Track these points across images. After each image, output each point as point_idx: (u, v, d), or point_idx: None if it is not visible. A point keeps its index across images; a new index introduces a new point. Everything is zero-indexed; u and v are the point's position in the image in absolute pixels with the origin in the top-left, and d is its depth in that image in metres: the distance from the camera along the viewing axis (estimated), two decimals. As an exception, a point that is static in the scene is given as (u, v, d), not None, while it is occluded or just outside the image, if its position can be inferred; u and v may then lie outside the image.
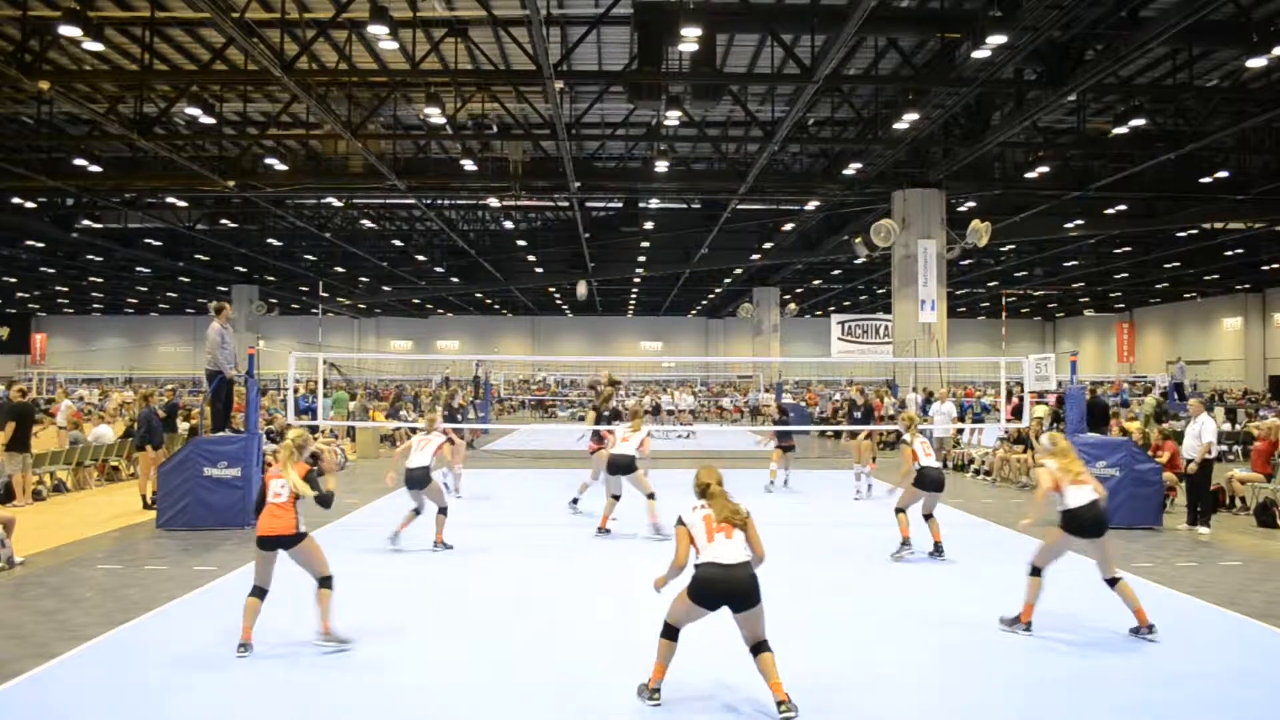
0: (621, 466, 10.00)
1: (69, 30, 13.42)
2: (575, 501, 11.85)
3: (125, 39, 16.56)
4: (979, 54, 14.21)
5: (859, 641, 6.32)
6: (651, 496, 10.04)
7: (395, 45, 15.46)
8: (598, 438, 11.95)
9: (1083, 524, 6.40)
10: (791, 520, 11.46)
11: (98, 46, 15.20)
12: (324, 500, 6.27)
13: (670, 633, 5.04)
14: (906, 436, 9.14)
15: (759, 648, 4.89)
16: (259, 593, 5.97)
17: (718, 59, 16.63)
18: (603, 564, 8.92)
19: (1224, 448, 19.12)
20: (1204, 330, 50.12)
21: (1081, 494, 6.47)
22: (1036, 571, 6.52)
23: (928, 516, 9.05)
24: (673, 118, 18.56)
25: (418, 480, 9.16)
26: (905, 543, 8.94)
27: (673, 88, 17.31)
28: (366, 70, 17.57)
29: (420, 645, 6.14)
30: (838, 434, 15.90)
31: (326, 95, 17.83)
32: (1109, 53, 14.34)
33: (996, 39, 13.64)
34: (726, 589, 4.83)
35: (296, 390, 17.21)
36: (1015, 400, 17.06)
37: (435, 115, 18.05)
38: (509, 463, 19.16)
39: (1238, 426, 20.27)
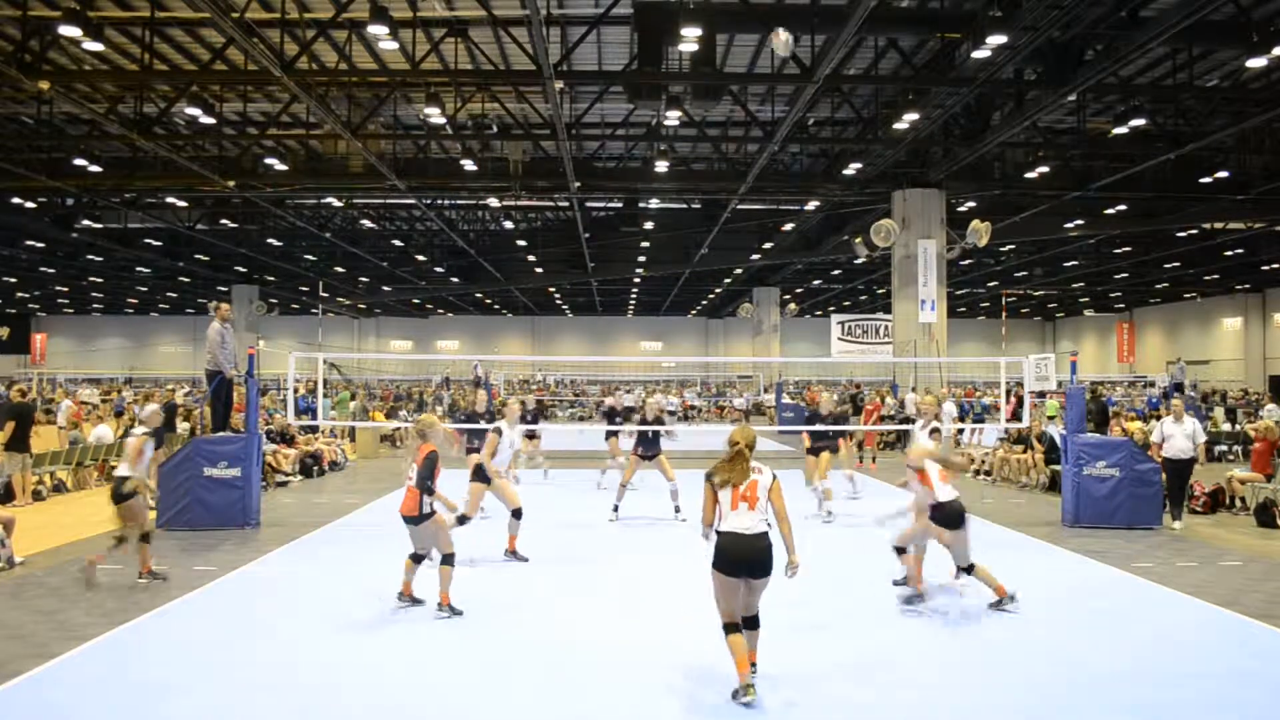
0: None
1: (69, 30, 13.42)
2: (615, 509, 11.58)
3: (125, 39, 16.56)
4: (979, 54, 14.20)
5: (859, 641, 6.31)
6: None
7: (395, 45, 15.46)
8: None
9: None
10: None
11: (98, 46, 15.19)
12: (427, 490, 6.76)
13: (730, 628, 5.17)
14: (925, 439, 7.46)
15: (752, 621, 5.23)
16: (415, 558, 6.94)
17: (718, 59, 16.63)
18: (602, 564, 8.92)
19: (1224, 447, 19.17)
20: (1204, 330, 50.12)
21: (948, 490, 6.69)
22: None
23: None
24: (673, 118, 18.56)
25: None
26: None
27: (673, 88, 17.31)
28: (366, 70, 17.56)
29: (421, 646, 6.14)
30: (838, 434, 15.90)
31: (326, 95, 17.82)
32: (1109, 53, 14.34)
33: (996, 39, 13.64)
34: (746, 557, 5.04)
35: (296, 390, 17.20)
36: (1014, 400, 17.04)
37: (435, 115, 18.05)
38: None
39: (1238, 427, 20.26)
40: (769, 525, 5.12)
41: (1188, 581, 7.98)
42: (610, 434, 13.98)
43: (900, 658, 5.92)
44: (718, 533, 5.11)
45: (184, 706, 5.00)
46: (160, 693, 5.19)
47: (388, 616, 6.81)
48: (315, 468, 16.10)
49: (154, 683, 5.35)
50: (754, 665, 5.17)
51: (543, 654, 5.94)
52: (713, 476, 5.17)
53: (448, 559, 6.76)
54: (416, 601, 6.91)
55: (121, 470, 7.83)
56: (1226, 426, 20.66)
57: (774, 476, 5.20)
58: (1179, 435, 11.16)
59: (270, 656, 5.88)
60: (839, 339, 31.53)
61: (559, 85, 16.16)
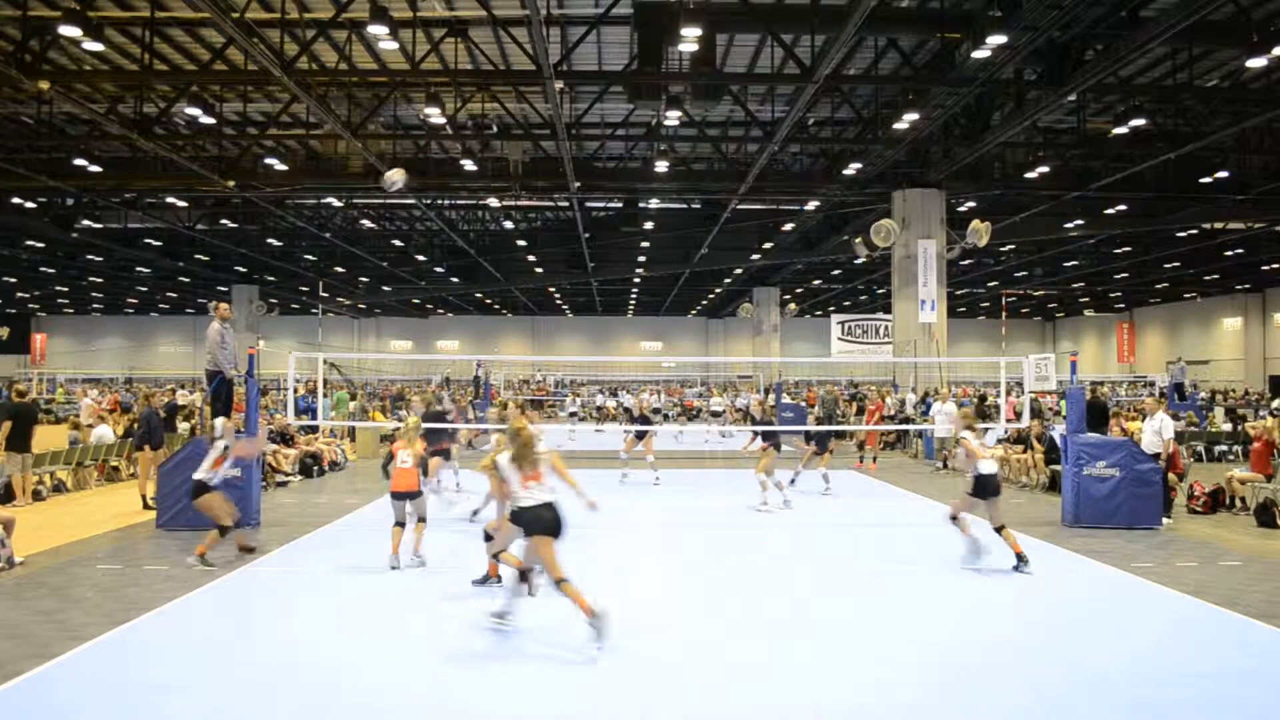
0: None
1: (69, 30, 13.43)
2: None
3: (125, 39, 16.57)
4: (979, 54, 14.21)
5: (858, 640, 6.32)
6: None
7: (395, 45, 15.46)
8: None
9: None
10: (787, 520, 11.46)
11: (98, 46, 15.21)
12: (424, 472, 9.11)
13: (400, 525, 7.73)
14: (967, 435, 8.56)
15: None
16: (400, 524, 8.41)
17: (718, 59, 16.63)
18: (599, 563, 8.91)
19: (1224, 447, 19.17)
20: (1204, 330, 50.13)
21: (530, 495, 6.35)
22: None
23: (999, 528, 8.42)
24: (673, 118, 18.56)
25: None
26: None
27: (673, 88, 17.31)
28: (366, 70, 17.57)
29: (421, 646, 6.13)
30: (840, 434, 16.01)
31: (326, 95, 17.83)
32: (1109, 53, 14.33)
33: (996, 39, 13.64)
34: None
35: (296, 390, 17.20)
36: (1013, 400, 17.05)
37: (435, 115, 18.06)
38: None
39: (1239, 427, 20.26)
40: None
41: (1188, 581, 7.98)
42: (640, 434, 15.42)
43: (900, 657, 5.92)
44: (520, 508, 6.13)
45: (184, 706, 4.99)
46: (160, 693, 5.19)
47: (388, 616, 6.81)
48: (315, 468, 16.10)
49: (154, 683, 5.35)
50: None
51: (543, 653, 5.94)
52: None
53: (424, 519, 8.56)
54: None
55: (199, 475, 8.78)
56: (1227, 426, 20.64)
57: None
58: (1148, 432, 11.50)
59: (270, 656, 5.88)
60: (839, 339, 31.56)
61: (559, 85, 16.17)
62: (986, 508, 8.47)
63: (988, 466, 8.48)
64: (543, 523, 6.08)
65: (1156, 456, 11.24)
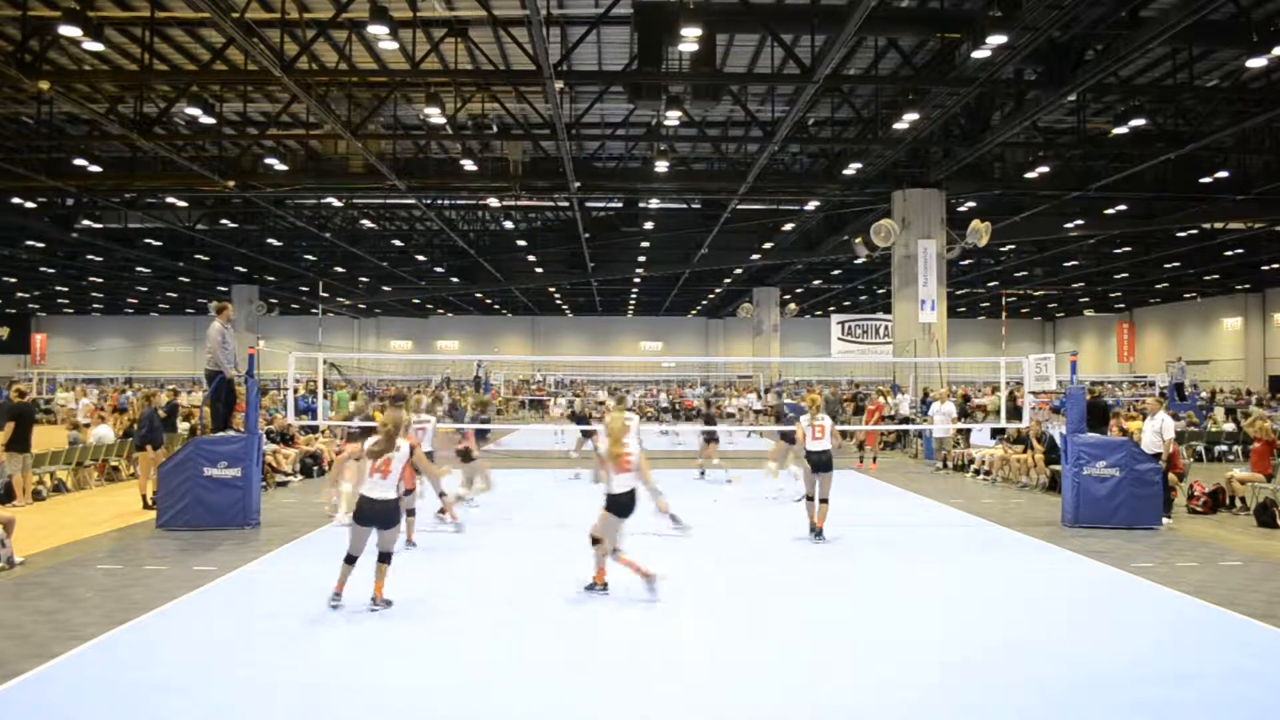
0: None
1: (69, 30, 13.43)
2: None
3: (125, 39, 16.57)
4: (979, 54, 14.21)
5: (858, 640, 6.31)
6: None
7: (395, 45, 15.45)
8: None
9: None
10: (786, 520, 11.46)
11: (98, 46, 15.20)
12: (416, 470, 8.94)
13: (350, 560, 6.87)
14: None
15: (384, 558, 6.91)
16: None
17: (718, 59, 16.63)
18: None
19: (1224, 447, 19.17)
20: (1204, 330, 50.13)
21: (623, 480, 7.21)
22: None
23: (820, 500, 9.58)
24: (673, 118, 18.56)
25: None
26: None
27: (673, 88, 17.31)
28: (366, 70, 17.56)
29: (421, 646, 6.14)
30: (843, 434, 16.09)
31: (326, 95, 17.83)
32: (1109, 53, 14.34)
33: (996, 39, 13.64)
34: (375, 514, 6.80)
35: (296, 390, 17.20)
36: (1018, 400, 17.04)
37: (435, 115, 18.06)
38: (509, 462, 19.13)
39: (1239, 426, 20.25)
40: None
41: (1188, 581, 7.97)
42: (708, 437, 16.05)
43: (900, 657, 5.92)
44: (362, 494, 6.79)
45: (184, 706, 4.99)
46: (160, 693, 5.18)
47: (388, 616, 6.80)
48: (315, 468, 16.10)
49: (154, 683, 5.35)
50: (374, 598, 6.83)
51: (545, 653, 5.94)
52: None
53: (411, 511, 8.93)
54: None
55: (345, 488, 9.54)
56: (1228, 426, 20.63)
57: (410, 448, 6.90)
58: (1149, 431, 11.52)
59: (270, 656, 5.88)
60: (839, 339, 31.50)
61: (559, 85, 16.16)
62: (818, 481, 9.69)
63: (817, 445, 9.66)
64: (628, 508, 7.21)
65: (1157, 456, 11.27)
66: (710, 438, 15.96)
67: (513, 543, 9.93)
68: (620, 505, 7.17)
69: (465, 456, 12.15)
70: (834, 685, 5.42)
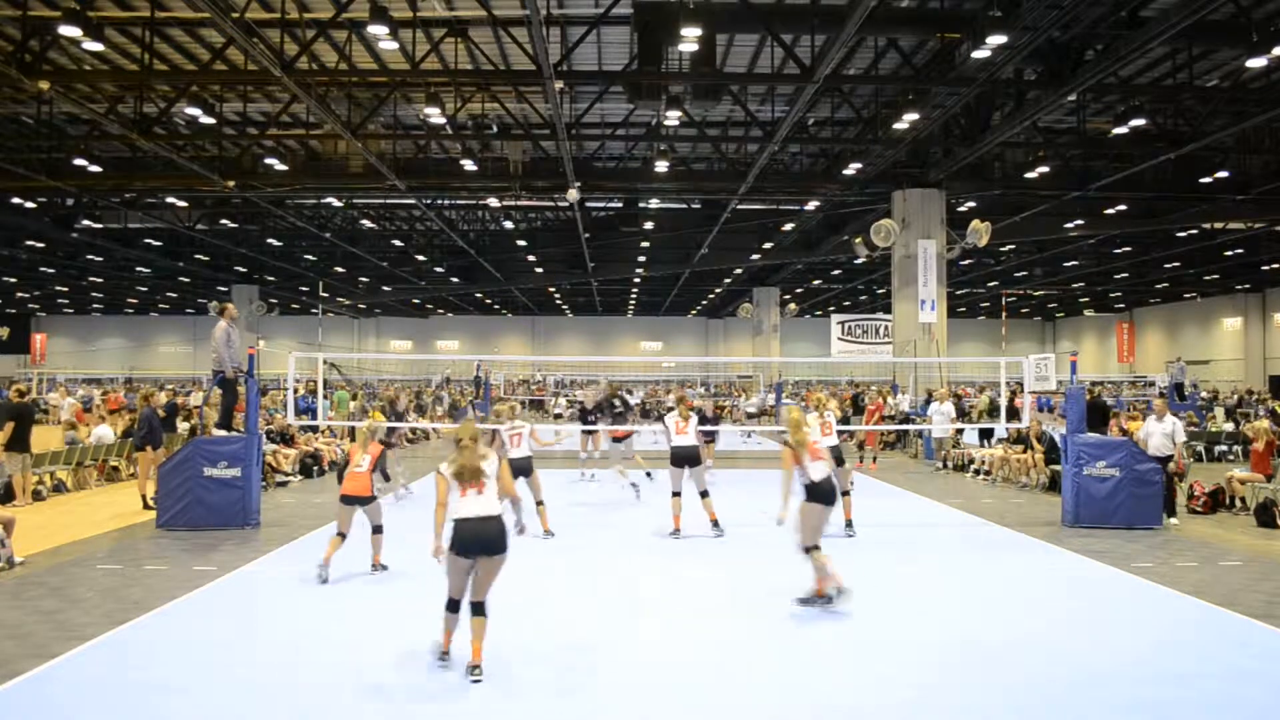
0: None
1: (69, 30, 13.41)
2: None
3: (125, 39, 16.57)
4: (979, 54, 14.20)
5: (857, 640, 6.31)
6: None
7: (395, 45, 15.45)
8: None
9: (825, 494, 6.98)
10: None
11: (98, 46, 15.19)
12: (385, 477, 8.63)
13: (453, 605, 5.58)
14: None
15: (479, 608, 5.50)
16: (342, 536, 7.92)
17: (718, 59, 16.62)
18: (597, 562, 8.92)
19: (1224, 447, 19.16)
20: (1204, 330, 50.13)
21: (819, 468, 6.96)
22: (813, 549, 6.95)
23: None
24: (673, 118, 18.56)
25: (523, 470, 9.95)
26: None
27: (673, 88, 17.31)
28: (366, 70, 17.57)
29: (422, 646, 6.13)
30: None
31: (326, 95, 17.82)
32: (1109, 53, 14.33)
33: (996, 39, 13.64)
34: (474, 537, 5.40)
35: (296, 390, 17.19)
36: (1019, 401, 17.04)
37: (435, 115, 18.06)
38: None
39: (1239, 426, 20.25)
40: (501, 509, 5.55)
41: (1188, 581, 7.97)
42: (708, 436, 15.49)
43: (900, 657, 5.92)
44: (453, 520, 5.45)
45: (184, 706, 4.99)
46: (160, 693, 5.19)
47: (388, 616, 6.81)
48: (315, 468, 16.10)
49: (154, 683, 5.35)
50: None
51: (548, 655, 5.94)
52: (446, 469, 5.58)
53: (380, 529, 8.16)
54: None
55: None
56: (1228, 426, 20.63)
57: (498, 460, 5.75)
58: (1158, 434, 11.36)
59: (270, 656, 5.88)
60: (839, 339, 31.54)
61: (559, 85, 16.16)
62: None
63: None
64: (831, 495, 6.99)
65: (1169, 459, 11.19)
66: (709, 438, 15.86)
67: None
68: (823, 492, 6.91)
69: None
70: (834, 685, 5.42)
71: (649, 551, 9.55)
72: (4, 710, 4.93)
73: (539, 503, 10.03)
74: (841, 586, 6.84)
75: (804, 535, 6.90)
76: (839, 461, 10.01)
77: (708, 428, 15.83)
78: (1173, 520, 11.12)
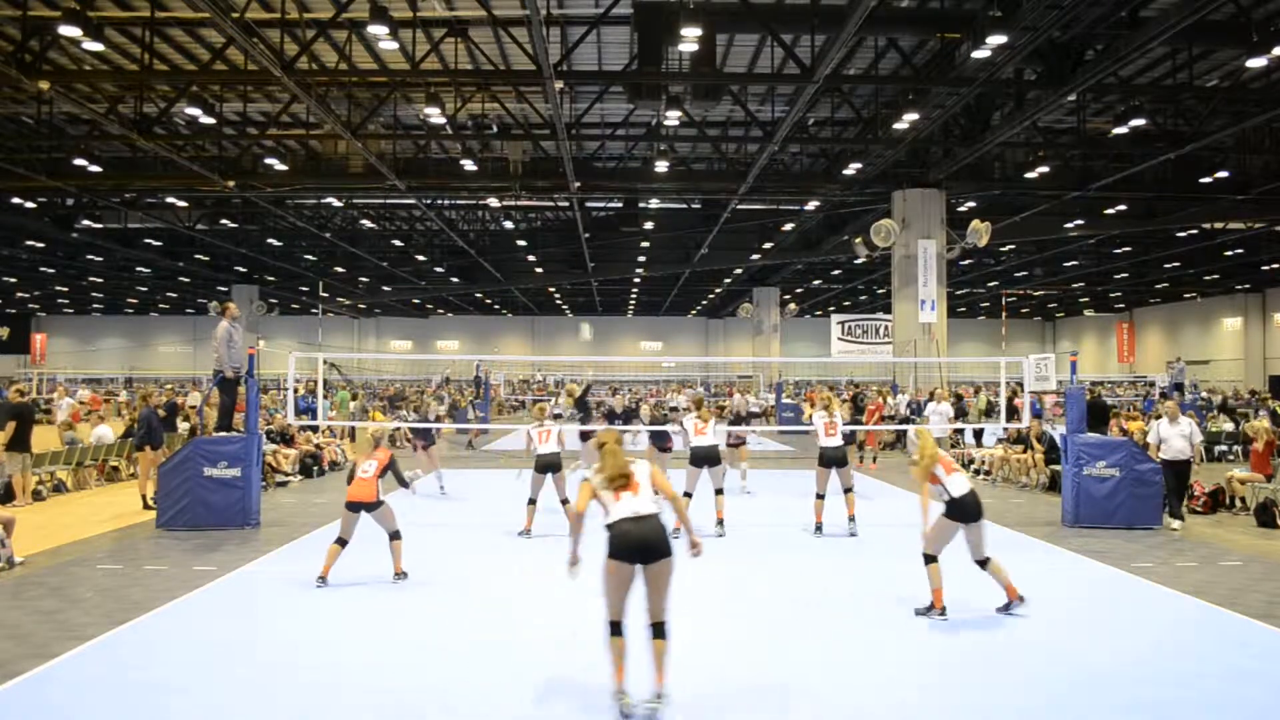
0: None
1: (69, 30, 13.42)
2: None
3: (125, 39, 16.57)
4: (979, 54, 14.20)
5: (859, 641, 6.32)
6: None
7: (395, 45, 15.46)
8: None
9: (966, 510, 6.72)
10: (785, 521, 11.46)
11: (98, 46, 15.20)
12: (404, 482, 8.55)
13: (616, 629, 4.97)
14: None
15: (658, 630, 4.92)
16: (341, 542, 7.71)
17: (718, 59, 16.62)
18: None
19: (1224, 447, 19.16)
20: (1204, 330, 50.13)
21: (958, 482, 6.80)
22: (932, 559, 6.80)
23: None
24: (673, 118, 18.56)
25: (552, 466, 10.11)
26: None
27: (673, 88, 17.31)
28: (366, 70, 17.57)
29: (422, 646, 6.14)
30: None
31: (326, 95, 17.82)
32: (1109, 53, 14.34)
33: (996, 39, 13.64)
34: (639, 540, 4.86)
35: (296, 390, 17.20)
36: (1019, 401, 17.04)
37: (435, 115, 18.05)
38: (508, 463, 19.14)
39: (1239, 427, 20.24)
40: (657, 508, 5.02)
41: (1188, 581, 7.97)
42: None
43: (900, 657, 5.92)
44: (605, 527, 4.98)
45: (184, 706, 4.99)
46: (160, 693, 5.19)
47: (389, 616, 6.81)
48: (315, 468, 16.10)
49: (154, 683, 5.35)
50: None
51: (549, 656, 5.94)
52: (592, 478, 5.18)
53: (397, 534, 7.88)
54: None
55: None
56: (1228, 426, 20.62)
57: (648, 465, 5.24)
58: (1175, 437, 11.08)
59: (270, 656, 5.88)
60: (839, 339, 31.53)
61: (559, 85, 16.16)
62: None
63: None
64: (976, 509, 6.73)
65: (1186, 463, 11.00)
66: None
67: (530, 547, 9.93)
68: (961, 507, 6.65)
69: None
70: (834, 685, 5.42)
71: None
72: (4, 710, 4.93)
73: (564, 501, 10.14)
74: (943, 609, 6.74)
75: (927, 544, 6.82)
76: (841, 462, 10.14)
77: (741, 428, 15.29)
78: (1175, 522, 10.86)
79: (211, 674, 5.51)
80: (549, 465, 10.04)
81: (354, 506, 7.66)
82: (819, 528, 10.34)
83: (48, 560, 8.68)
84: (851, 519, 10.33)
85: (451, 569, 8.56)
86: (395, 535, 7.83)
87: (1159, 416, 12.81)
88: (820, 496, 10.36)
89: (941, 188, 22.36)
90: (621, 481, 5.03)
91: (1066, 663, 5.78)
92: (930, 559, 6.79)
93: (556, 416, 12.62)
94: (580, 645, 6.14)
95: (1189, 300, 50.04)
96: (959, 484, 6.76)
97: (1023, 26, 13.58)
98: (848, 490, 10.32)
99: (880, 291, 44.20)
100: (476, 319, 63.03)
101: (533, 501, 10.20)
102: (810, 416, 10.61)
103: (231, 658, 5.81)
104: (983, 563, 6.78)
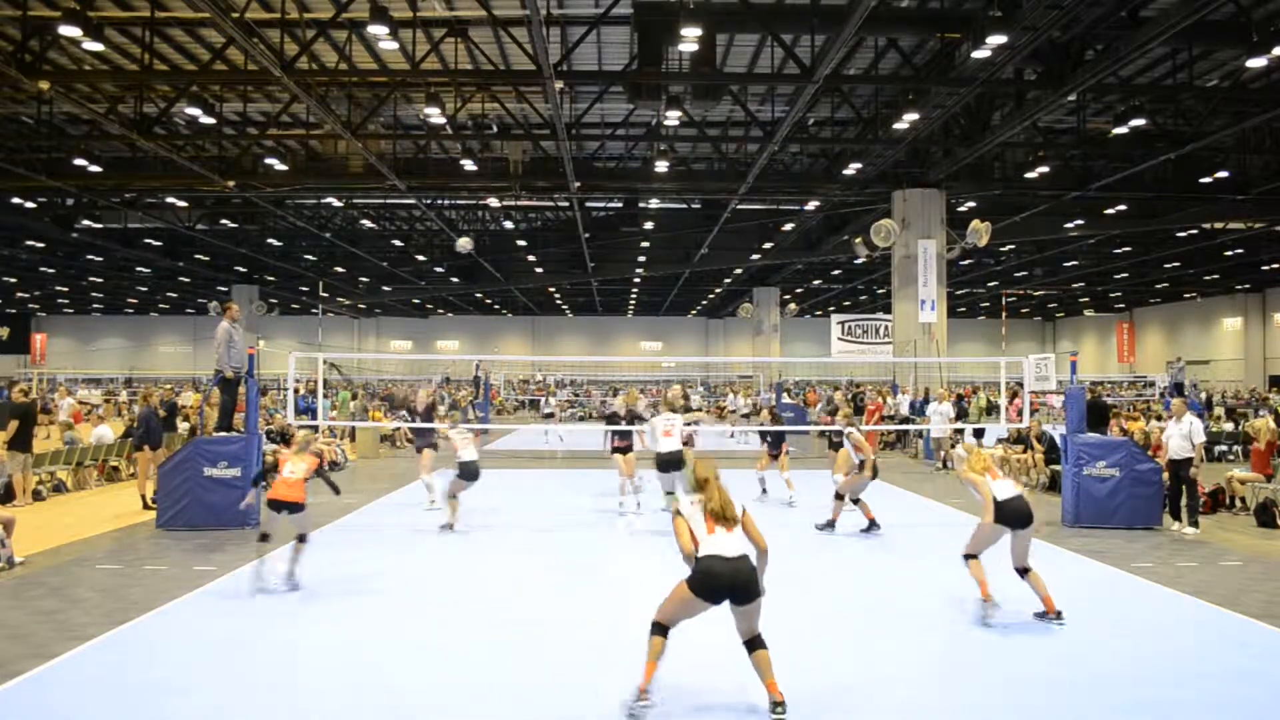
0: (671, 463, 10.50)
1: (69, 30, 13.42)
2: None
3: (125, 39, 16.56)
4: (979, 54, 14.20)
5: (859, 641, 6.32)
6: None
7: (395, 45, 15.45)
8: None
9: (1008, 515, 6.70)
10: (785, 520, 11.46)
11: (98, 46, 15.20)
12: (335, 489, 8.41)
13: (661, 630, 4.97)
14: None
15: (754, 643, 4.94)
16: (264, 538, 7.71)
17: (718, 59, 16.62)
18: (596, 562, 8.92)
19: (1224, 447, 19.16)
20: (1204, 330, 50.13)
21: (1004, 487, 6.83)
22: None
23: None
24: (673, 118, 18.55)
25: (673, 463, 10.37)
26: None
27: (673, 88, 17.30)
28: (366, 70, 17.56)
29: (422, 646, 6.14)
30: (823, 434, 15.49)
31: (326, 95, 17.82)
32: (1109, 53, 14.33)
33: (996, 39, 13.63)
34: (729, 582, 4.83)
35: (296, 390, 17.21)
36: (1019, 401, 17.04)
37: (435, 115, 18.05)
38: (509, 463, 19.15)
39: (1240, 427, 20.24)
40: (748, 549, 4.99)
41: (1188, 581, 7.98)
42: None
43: (899, 656, 5.92)
44: (696, 559, 4.92)
45: (184, 706, 5.00)
46: (160, 693, 5.19)
47: (389, 616, 6.81)
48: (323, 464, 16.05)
49: (154, 683, 5.35)
50: (783, 700, 4.86)
51: (550, 657, 5.94)
52: (684, 509, 5.11)
53: (304, 538, 7.75)
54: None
55: None
56: (1228, 426, 20.63)
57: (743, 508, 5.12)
58: (1176, 435, 10.92)
59: (270, 656, 5.88)
60: (839, 339, 31.50)
61: (559, 85, 16.16)
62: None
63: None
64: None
65: (1188, 462, 10.66)
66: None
67: (528, 547, 9.93)
68: (1009, 512, 6.61)
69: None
70: (834, 685, 5.43)
71: (644, 551, 9.55)
72: (4, 710, 4.93)
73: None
74: (990, 598, 6.68)
75: (970, 543, 6.87)
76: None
77: (777, 427, 13.69)
78: (1189, 529, 10.47)
79: (211, 674, 5.51)
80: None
81: (276, 505, 7.51)
82: (872, 523, 10.57)
83: (48, 560, 8.68)
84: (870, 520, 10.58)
85: (451, 569, 8.56)
86: (303, 539, 7.69)
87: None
88: (841, 498, 10.75)
89: (941, 188, 22.36)
90: (728, 516, 4.98)
91: (1066, 663, 5.79)
92: (971, 556, 6.83)
93: (548, 416, 12.63)
94: (580, 645, 6.15)
95: (1189, 300, 50.05)
96: (1005, 489, 6.78)
97: (1023, 26, 13.57)
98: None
99: (880, 291, 44.20)
100: (476, 319, 63.05)
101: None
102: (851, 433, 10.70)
103: (231, 658, 5.81)
104: (1023, 571, 6.76)
